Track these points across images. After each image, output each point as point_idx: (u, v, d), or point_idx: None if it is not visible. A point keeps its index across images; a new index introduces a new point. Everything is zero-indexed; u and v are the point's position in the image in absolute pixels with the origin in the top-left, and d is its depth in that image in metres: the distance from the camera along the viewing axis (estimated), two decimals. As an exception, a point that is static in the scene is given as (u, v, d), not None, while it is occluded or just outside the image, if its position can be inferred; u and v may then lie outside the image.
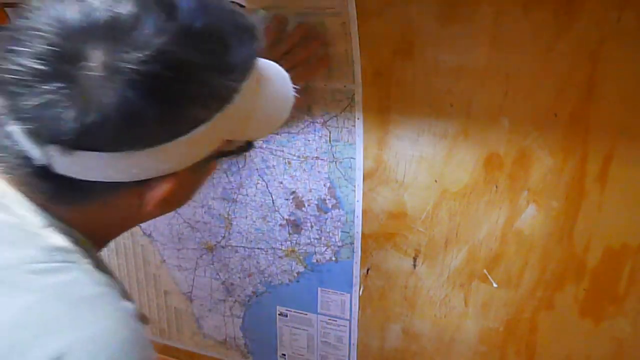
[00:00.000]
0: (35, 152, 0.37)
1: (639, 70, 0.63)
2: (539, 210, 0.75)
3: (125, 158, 0.38)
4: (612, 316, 0.75)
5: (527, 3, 0.65)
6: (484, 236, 0.79)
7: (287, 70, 0.53)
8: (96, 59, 0.35)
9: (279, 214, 0.93)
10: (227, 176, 0.93)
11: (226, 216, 0.96)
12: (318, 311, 0.98)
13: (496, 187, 0.76)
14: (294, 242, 0.94)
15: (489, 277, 0.81)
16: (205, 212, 0.98)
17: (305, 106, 0.84)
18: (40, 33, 0.35)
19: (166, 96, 0.36)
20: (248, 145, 0.47)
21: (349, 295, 0.93)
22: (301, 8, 0.74)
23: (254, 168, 0.91)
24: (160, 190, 0.42)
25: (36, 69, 0.35)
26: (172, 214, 1.01)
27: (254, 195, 0.93)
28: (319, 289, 0.96)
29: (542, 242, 0.76)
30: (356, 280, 0.91)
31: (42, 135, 0.36)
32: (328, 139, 0.84)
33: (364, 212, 0.86)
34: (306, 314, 0.99)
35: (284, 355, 1.05)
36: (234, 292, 1.03)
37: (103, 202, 0.42)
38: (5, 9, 0.97)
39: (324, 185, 0.87)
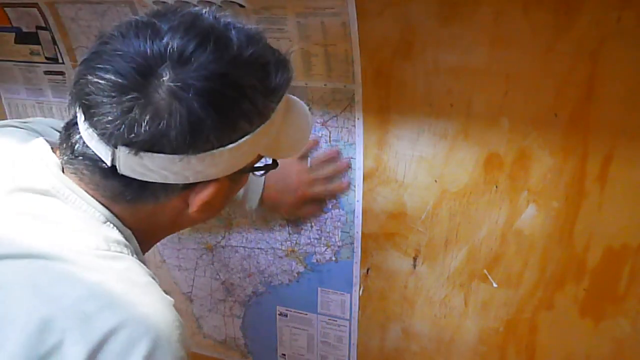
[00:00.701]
0: (107, 155, 0.45)
1: (639, 70, 0.63)
2: (539, 210, 0.75)
3: (182, 161, 0.45)
4: (612, 316, 0.75)
5: (527, 3, 0.65)
6: (484, 236, 0.79)
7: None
8: (166, 76, 0.43)
9: (279, 214, 0.93)
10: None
11: (226, 216, 0.96)
12: (318, 311, 0.98)
13: (496, 187, 0.76)
14: (294, 242, 0.94)
15: (489, 277, 0.81)
16: (205, 212, 0.98)
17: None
18: (122, 54, 0.43)
19: (222, 109, 0.44)
20: (274, 163, 0.55)
21: (349, 295, 0.93)
22: (301, 8, 0.74)
23: (254, 168, 0.91)
24: (204, 195, 0.49)
25: (118, 82, 0.43)
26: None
27: (254, 195, 0.93)
28: (319, 289, 0.96)
29: (542, 242, 0.76)
30: (356, 280, 0.91)
31: (117, 138, 0.44)
32: (328, 139, 0.84)
33: (364, 212, 0.86)
34: (306, 314, 0.99)
35: (284, 355, 1.05)
36: (233, 292, 1.03)
37: (155, 203, 0.49)
38: (5, 8, 0.97)
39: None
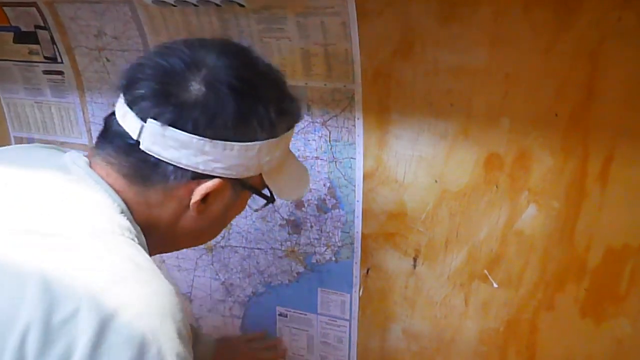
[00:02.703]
0: (135, 129, 0.50)
1: (639, 70, 0.63)
2: (540, 210, 0.74)
3: (198, 143, 0.50)
4: (612, 316, 0.75)
5: (527, 3, 0.65)
6: (485, 236, 0.79)
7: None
8: (204, 71, 0.51)
9: (279, 214, 0.93)
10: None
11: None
12: (318, 311, 0.98)
13: (496, 187, 0.76)
14: (294, 242, 0.94)
15: (490, 277, 0.81)
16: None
17: (305, 106, 0.83)
18: (170, 52, 0.52)
19: (242, 104, 0.51)
20: (272, 198, 0.59)
21: (349, 295, 0.93)
22: (301, 8, 0.74)
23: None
24: (207, 186, 0.52)
25: (162, 65, 0.51)
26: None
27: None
28: (319, 289, 0.95)
29: (543, 242, 0.76)
30: (356, 280, 0.91)
31: (148, 110, 0.49)
32: (328, 139, 0.84)
33: (364, 212, 0.86)
34: (306, 314, 0.99)
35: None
36: (233, 292, 1.03)
37: (164, 186, 0.52)
38: (4, 8, 0.97)
39: (324, 185, 0.87)
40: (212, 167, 0.52)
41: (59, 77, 1.03)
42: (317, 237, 0.91)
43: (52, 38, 0.98)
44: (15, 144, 1.15)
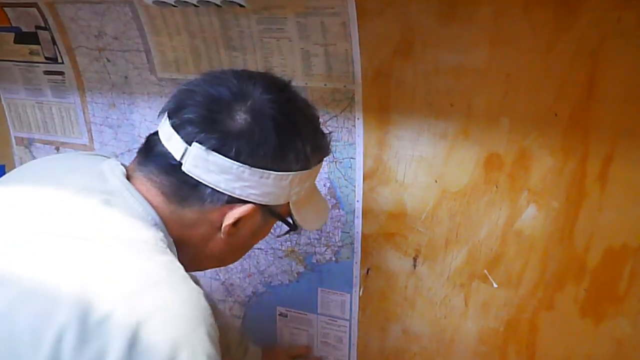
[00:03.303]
0: (179, 151, 0.53)
1: (639, 69, 0.63)
2: (540, 210, 0.74)
3: (238, 170, 0.53)
4: (612, 316, 0.75)
5: (527, 3, 0.65)
6: (484, 236, 0.79)
7: None
8: (250, 102, 0.54)
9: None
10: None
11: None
12: (318, 311, 0.98)
13: (496, 187, 0.76)
14: (294, 242, 0.94)
15: (489, 277, 0.81)
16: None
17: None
18: (220, 82, 0.55)
19: (282, 137, 0.54)
20: (294, 226, 0.62)
21: (349, 295, 0.93)
22: (301, 8, 0.74)
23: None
24: (239, 211, 0.55)
25: (210, 94, 0.54)
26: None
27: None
28: (319, 289, 0.95)
29: (543, 242, 0.76)
30: (356, 280, 0.91)
31: (194, 135, 0.52)
32: (328, 139, 0.84)
33: (364, 212, 0.86)
34: (306, 314, 0.99)
35: (284, 355, 1.05)
36: (233, 292, 1.03)
37: (200, 209, 0.55)
38: (4, 8, 0.97)
39: (324, 185, 0.87)
40: (247, 193, 0.54)
41: (60, 77, 1.03)
42: (317, 237, 0.91)
43: (52, 38, 0.98)
44: (16, 144, 1.15)
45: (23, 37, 1.00)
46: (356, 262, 0.90)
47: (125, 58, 0.94)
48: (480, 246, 0.80)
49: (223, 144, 0.52)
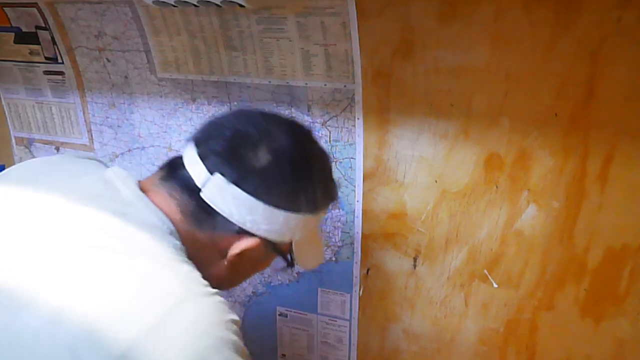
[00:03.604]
0: (200, 178, 0.56)
1: (640, 69, 0.63)
2: (540, 210, 0.74)
3: (252, 204, 0.55)
4: (612, 316, 0.75)
5: (528, 2, 0.65)
6: (485, 236, 0.79)
7: None
8: (273, 143, 0.57)
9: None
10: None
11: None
12: (318, 311, 0.98)
13: (496, 187, 0.76)
14: (294, 242, 0.94)
15: (489, 277, 0.81)
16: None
17: (306, 106, 0.84)
18: (245, 121, 0.59)
19: (296, 179, 0.57)
20: (291, 264, 0.65)
21: (349, 295, 0.93)
22: (301, 8, 0.74)
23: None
24: (245, 243, 0.58)
25: (238, 130, 0.57)
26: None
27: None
28: (319, 289, 0.95)
29: (543, 242, 0.76)
30: (356, 280, 0.91)
31: (218, 166, 0.55)
32: (328, 139, 0.84)
33: (364, 212, 0.86)
34: (306, 314, 0.99)
35: (284, 355, 1.05)
36: (233, 292, 1.03)
37: (212, 235, 0.57)
38: (4, 8, 0.97)
39: (324, 186, 0.87)
40: (257, 227, 0.57)
41: (60, 77, 1.03)
42: (317, 237, 0.91)
43: (52, 38, 0.98)
44: (16, 144, 1.15)
45: (23, 37, 1.00)
46: (356, 262, 0.90)
47: (125, 58, 0.94)
48: (481, 246, 0.80)
49: (243, 178, 0.55)
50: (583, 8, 0.63)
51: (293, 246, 0.63)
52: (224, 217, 0.56)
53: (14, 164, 1.17)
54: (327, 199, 0.64)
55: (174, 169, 0.59)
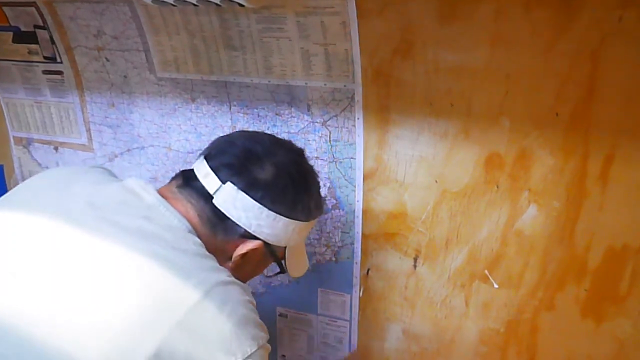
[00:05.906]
0: (212, 187, 0.63)
1: (640, 69, 0.63)
2: (540, 210, 0.74)
3: (258, 210, 0.63)
4: (613, 317, 0.75)
5: (528, 2, 0.65)
6: (485, 236, 0.79)
7: None
8: (277, 158, 0.65)
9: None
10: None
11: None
12: (318, 312, 0.97)
13: (497, 187, 0.76)
14: (294, 242, 0.93)
15: (490, 277, 0.81)
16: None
17: (306, 105, 0.83)
18: (253, 141, 0.67)
19: (297, 190, 0.66)
20: (283, 270, 0.71)
21: (349, 295, 0.93)
22: (301, 7, 0.74)
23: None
24: (249, 245, 0.64)
25: (246, 147, 0.66)
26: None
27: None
28: (319, 289, 0.95)
29: (543, 242, 0.76)
30: (356, 280, 0.91)
31: (229, 176, 0.63)
32: (328, 139, 0.84)
33: (364, 212, 0.86)
34: (306, 315, 0.99)
35: (284, 356, 1.05)
36: (233, 292, 1.03)
37: (223, 237, 0.64)
38: (3, 7, 0.97)
39: (324, 186, 0.87)
40: (260, 230, 0.64)
41: (59, 76, 1.02)
42: (317, 237, 0.91)
43: (51, 38, 0.97)
44: (15, 144, 1.15)
45: (22, 37, 1.00)
46: (356, 263, 0.90)
47: (125, 57, 0.94)
48: (481, 246, 0.80)
49: (251, 187, 0.62)
50: (583, 8, 0.63)
51: (286, 252, 0.69)
52: (232, 221, 0.63)
53: (12, 164, 1.17)
54: (318, 210, 0.71)
55: (188, 179, 0.65)
